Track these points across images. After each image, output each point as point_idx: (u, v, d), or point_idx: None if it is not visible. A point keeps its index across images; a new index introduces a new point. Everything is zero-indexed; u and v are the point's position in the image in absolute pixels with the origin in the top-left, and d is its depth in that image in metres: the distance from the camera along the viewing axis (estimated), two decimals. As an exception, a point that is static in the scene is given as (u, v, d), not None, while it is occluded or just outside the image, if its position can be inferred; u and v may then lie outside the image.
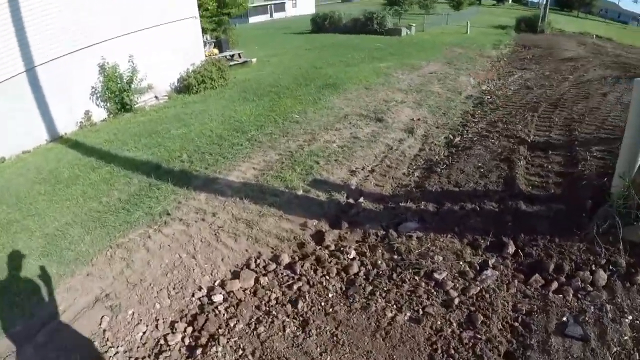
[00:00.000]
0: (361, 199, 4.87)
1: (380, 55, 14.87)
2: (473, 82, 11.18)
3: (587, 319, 2.67)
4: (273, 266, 3.71)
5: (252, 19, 45.09)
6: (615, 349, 2.42)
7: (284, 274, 3.61)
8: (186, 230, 4.33)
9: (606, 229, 3.42)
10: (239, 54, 15.74)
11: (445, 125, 7.69)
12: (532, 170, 5.25)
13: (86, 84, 9.20)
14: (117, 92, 9.41)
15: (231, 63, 14.13)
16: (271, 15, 50.99)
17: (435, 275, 3.36)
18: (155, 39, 10.54)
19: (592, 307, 2.77)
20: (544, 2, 27.78)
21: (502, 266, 3.44)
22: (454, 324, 2.83)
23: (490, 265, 3.45)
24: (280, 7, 52.99)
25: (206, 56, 12.68)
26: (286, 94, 9.47)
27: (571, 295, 2.94)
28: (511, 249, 3.62)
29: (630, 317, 2.63)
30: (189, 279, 3.66)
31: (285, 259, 3.78)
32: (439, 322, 2.86)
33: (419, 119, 7.83)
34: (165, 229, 4.38)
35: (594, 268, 3.14)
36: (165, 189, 5.18)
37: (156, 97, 10.68)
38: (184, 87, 11.02)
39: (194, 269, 3.77)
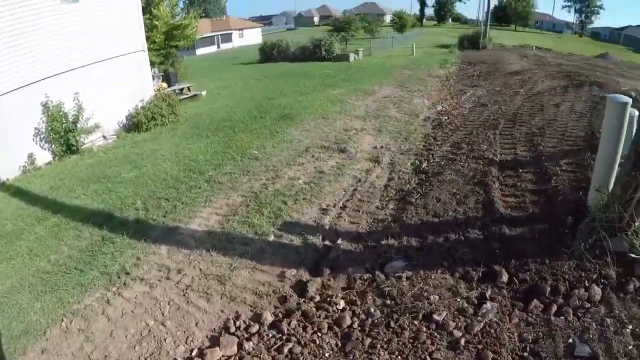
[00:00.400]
0: (339, 240, 4.90)
1: (332, 82, 15.70)
2: (427, 103, 11.98)
3: (591, 336, 2.87)
4: (256, 327, 3.56)
5: (199, 51, 46.93)
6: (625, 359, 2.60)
7: (270, 335, 3.48)
8: (150, 292, 4.11)
9: (592, 243, 3.74)
10: (188, 87, 16.12)
11: (409, 150, 8.08)
12: (507, 191, 5.65)
13: (28, 125, 8.94)
14: (62, 133, 9.28)
15: (181, 97, 14.53)
16: (218, 47, 53.41)
17: (435, 316, 3.42)
18: (102, 75, 10.51)
19: (593, 324, 2.98)
20: (484, 19, 30.97)
21: (499, 297, 3.59)
22: (465, 368, 2.88)
23: (488, 297, 3.59)
24: (227, 37, 55.69)
25: (155, 91, 12.86)
26: (241, 128, 9.69)
27: (571, 315, 3.14)
28: (505, 277, 3.81)
29: (630, 327, 2.89)
30: (162, 351, 3.41)
31: (268, 317, 3.66)
32: (449, 368, 2.89)
33: (382, 147, 8.18)
34: (125, 291, 4.15)
35: (587, 284, 3.40)
36: (120, 242, 5.01)
37: (104, 136, 10.54)
38: (134, 125, 11.09)
39: (165, 339, 3.53)
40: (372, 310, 3.65)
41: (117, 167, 7.94)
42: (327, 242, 4.91)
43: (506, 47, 30.21)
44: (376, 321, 3.50)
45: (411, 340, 3.22)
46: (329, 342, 3.35)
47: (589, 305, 3.18)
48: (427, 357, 3.03)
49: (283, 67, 22.68)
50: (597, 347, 2.76)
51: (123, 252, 4.80)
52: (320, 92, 13.51)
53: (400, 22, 51.04)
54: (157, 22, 17.15)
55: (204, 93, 15.71)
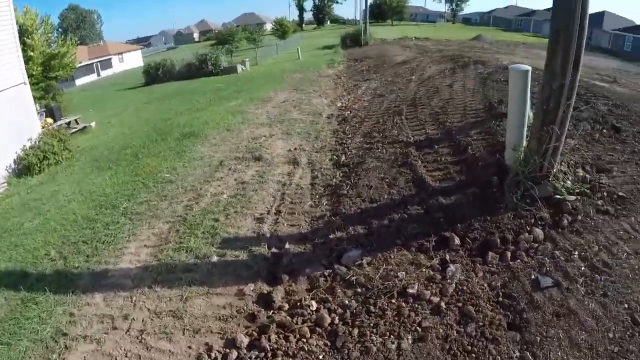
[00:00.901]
0: (287, 245, 5.09)
1: (225, 95, 16.14)
2: (326, 101, 12.83)
3: (548, 268, 3.61)
4: (234, 353, 3.53)
5: (79, 81, 46.08)
6: (581, 279, 3.39)
7: (253, 356, 3.49)
8: (100, 348, 3.83)
9: (521, 194, 4.59)
10: (76, 120, 15.78)
11: (323, 148, 8.62)
12: (430, 167, 6.48)
13: None
14: None
15: (70, 131, 14.48)
16: (98, 74, 53.18)
17: (409, 290, 3.84)
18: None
19: (546, 259, 3.74)
20: (363, 17, 34.18)
21: (458, 257, 4.20)
22: (455, 325, 3.34)
23: (449, 261, 4.17)
24: (107, 63, 55.77)
25: (42, 127, 12.40)
26: (144, 154, 9.54)
27: (525, 256, 3.88)
28: (457, 240, 4.46)
29: (576, 253, 3.72)
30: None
31: (244, 339, 3.66)
32: (441, 330, 3.32)
33: (295, 148, 8.58)
34: (70, 355, 3.81)
35: (529, 228, 4.20)
36: (45, 301, 4.64)
37: None
38: (24, 168, 10.75)
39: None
40: (347, 302, 3.93)
41: (17, 217, 7.57)
42: (274, 250, 5.06)
43: (387, 40, 33.72)
44: (355, 311, 3.79)
45: (396, 318, 3.58)
46: (317, 344, 3.52)
47: (537, 244, 3.95)
48: (417, 327, 3.41)
49: (171, 87, 23.12)
50: (556, 276, 3.48)
51: (52, 312, 4.48)
52: (216, 106, 13.78)
53: (281, 29, 55.02)
54: (32, 53, 16.81)
55: (93, 124, 15.71)
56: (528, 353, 2.92)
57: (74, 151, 11.53)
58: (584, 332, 2.95)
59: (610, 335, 2.91)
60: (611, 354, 2.79)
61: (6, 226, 7.14)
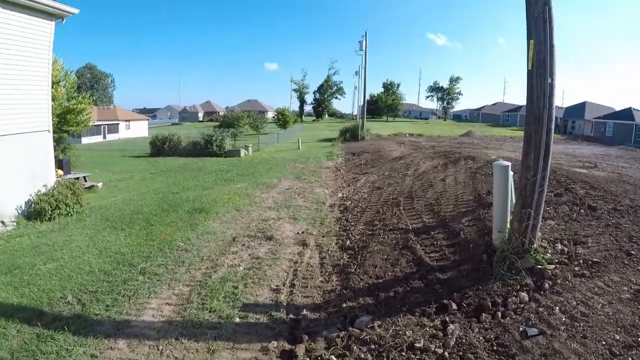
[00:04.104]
0: (304, 311, 5.79)
1: (230, 176, 17.29)
2: (327, 192, 14.05)
3: (534, 321, 4.37)
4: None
5: (85, 140, 47.55)
6: (562, 327, 4.16)
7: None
8: None
9: (507, 267, 5.50)
10: (84, 177, 16.09)
11: (329, 233, 9.55)
12: (428, 249, 7.41)
13: None
14: None
15: None
16: (104, 137, 54.79)
17: (416, 344, 4.55)
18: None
19: (531, 315, 4.52)
20: (360, 113, 37.40)
21: (456, 319, 4.95)
22: (457, 369, 4.03)
23: (449, 322, 4.91)
24: (114, 128, 57.78)
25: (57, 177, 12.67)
26: (156, 221, 10.17)
27: (514, 314, 4.65)
28: (454, 305, 5.24)
29: (557, 308, 4.51)
30: None
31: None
32: (445, 373, 4.01)
33: (303, 232, 9.50)
34: None
35: (515, 293, 5.03)
36: (64, 340, 4.88)
37: (2, 222, 10.06)
38: (35, 213, 11.04)
39: None
40: (363, 355, 4.60)
41: (28, 257, 7.83)
42: (291, 316, 5.74)
43: (382, 136, 36.70)
44: (371, 363, 4.46)
45: (406, 366, 4.26)
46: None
47: (523, 305, 4.75)
48: (425, 372, 4.10)
49: (177, 162, 24.02)
50: (541, 326, 4.26)
51: (72, 351, 4.71)
52: (222, 187, 14.80)
53: (283, 119, 57.91)
54: (52, 103, 17.12)
55: (100, 185, 16.09)
56: (521, 386, 3.63)
57: (85, 207, 11.91)
58: (568, 367, 3.70)
59: None
60: None
61: (17, 263, 7.42)
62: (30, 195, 11.34)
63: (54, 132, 17.90)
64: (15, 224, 10.56)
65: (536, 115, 5.59)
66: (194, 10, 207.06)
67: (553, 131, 5.69)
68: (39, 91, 11.89)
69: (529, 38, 5.64)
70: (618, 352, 3.67)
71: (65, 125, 19.27)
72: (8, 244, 8.92)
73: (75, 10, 12.13)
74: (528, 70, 5.69)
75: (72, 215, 11.26)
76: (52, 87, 17.60)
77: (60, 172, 15.31)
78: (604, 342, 3.85)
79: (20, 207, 11.22)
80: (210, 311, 5.74)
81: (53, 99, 17.55)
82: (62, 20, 12.08)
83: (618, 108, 50.65)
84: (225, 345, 5.01)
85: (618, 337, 3.86)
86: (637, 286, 4.71)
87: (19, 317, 5.53)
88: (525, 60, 5.74)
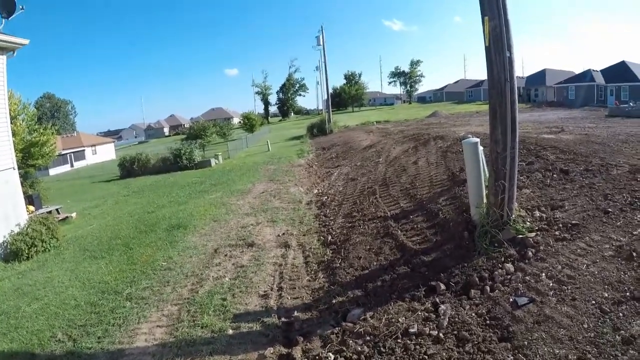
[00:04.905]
0: (295, 313, 5.71)
1: (204, 188, 16.99)
2: (303, 189, 13.97)
3: (523, 291, 4.43)
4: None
5: (53, 171, 46.27)
6: (551, 292, 4.23)
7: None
8: None
9: (489, 241, 5.56)
10: (57, 210, 15.81)
11: (309, 231, 9.48)
12: (409, 234, 7.44)
13: None
14: None
15: None
16: (72, 165, 53.76)
17: (411, 329, 4.54)
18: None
19: (519, 284, 4.59)
20: (325, 107, 37.37)
21: (446, 299, 4.98)
22: (454, 348, 4.03)
23: (440, 302, 4.93)
24: (80, 155, 56.63)
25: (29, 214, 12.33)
26: (136, 244, 9.97)
27: (502, 286, 4.71)
28: (442, 286, 5.27)
29: (543, 274, 4.59)
30: None
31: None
32: (444, 354, 3.99)
33: (283, 233, 9.39)
34: None
35: (500, 265, 5.09)
36: None
37: None
38: (12, 254, 10.70)
39: None
40: (359, 348, 4.56)
41: (12, 301, 7.63)
42: (283, 319, 5.65)
43: (350, 127, 36.90)
44: (368, 354, 4.42)
45: (405, 352, 4.24)
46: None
47: (510, 276, 4.82)
48: (424, 356, 4.08)
49: (148, 180, 23.64)
50: (530, 294, 4.32)
51: None
52: (197, 199, 14.53)
53: (249, 123, 57.39)
54: (13, 139, 16.49)
55: (74, 215, 15.83)
56: (520, 355, 3.63)
57: (61, 240, 11.63)
58: (562, 329, 3.72)
59: (585, 325, 3.68)
60: (589, 339, 3.53)
61: (2, 308, 7.21)
62: (4, 236, 10.89)
63: (19, 168, 17.35)
64: (-8, 269, 10.09)
65: (499, 90, 5.67)
66: (148, 28, 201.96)
67: (517, 102, 5.78)
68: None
69: (483, 15, 5.71)
70: (608, 309, 3.75)
71: (30, 160, 18.71)
72: (-14, 290, 8.58)
73: (26, 41, 11.59)
74: (486, 46, 5.76)
75: (49, 250, 11.02)
76: (12, 122, 17.08)
77: (32, 208, 14.98)
78: (593, 302, 3.93)
79: (-4, 250, 10.73)
80: (202, 327, 5.63)
81: (14, 134, 17.01)
82: (13, 53, 11.58)
83: (578, 71, 52.18)
84: (221, 358, 4.93)
85: (607, 295, 3.95)
86: (619, 242, 4.85)
87: (12, 364, 5.34)
88: (482, 36, 5.80)
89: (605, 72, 44.78)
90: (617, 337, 3.44)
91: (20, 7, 10.88)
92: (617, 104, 34.33)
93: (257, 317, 5.75)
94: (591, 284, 4.21)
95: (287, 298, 6.29)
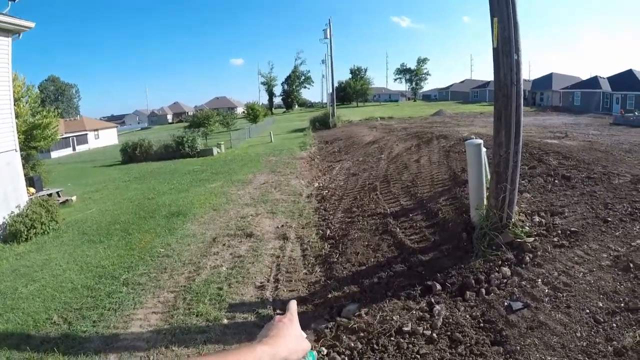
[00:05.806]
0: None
1: (205, 176, 17.02)
2: (304, 182, 13.95)
3: (517, 295, 4.43)
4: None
5: (55, 154, 46.40)
6: (546, 299, 4.23)
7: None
8: None
9: (487, 243, 5.55)
10: (57, 193, 15.83)
11: (308, 224, 9.48)
12: (408, 232, 7.43)
13: None
14: None
15: None
16: (74, 149, 53.74)
17: (404, 328, 4.55)
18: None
19: (515, 289, 4.59)
20: (330, 101, 37.21)
21: (442, 299, 4.98)
22: (447, 349, 4.04)
23: (435, 303, 4.93)
24: (83, 139, 56.53)
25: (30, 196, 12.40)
26: (135, 229, 10.03)
27: (497, 290, 4.71)
28: (438, 286, 5.27)
29: (539, 280, 4.58)
30: None
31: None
32: (437, 354, 4.00)
33: (282, 225, 9.40)
34: None
35: (497, 269, 5.08)
36: None
37: None
38: (11, 235, 10.75)
39: None
40: (353, 344, 4.57)
41: (9, 281, 7.68)
42: (278, 311, 5.66)
43: (354, 122, 36.79)
44: (361, 350, 4.43)
45: (397, 351, 4.25)
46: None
47: (506, 280, 4.82)
48: (417, 355, 4.09)
49: (149, 167, 23.56)
50: (525, 300, 4.32)
51: None
52: (198, 187, 14.54)
53: (253, 113, 57.02)
54: (16, 121, 16.64)
55: (74, 198, 15.86)
56: (511, 360, 3.66)
57: (61, 223, 11.71)
58: (555, 336, 3.73)
59: (578, 334, 3.69)
60: (581, 348, 3.53)
61: None
62: (4, 217, 10.99)
63: (21, 150, 17.46)
64: (-10, 249, 10.17)
65: (505, 92, 5.63)
66: (155, 14, 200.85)
67: (522, 106, 5.74)
68: (2, 110, 11.46)
69: (492, 16, 5.66)
70: (602, 319, 3.75)
71: (32, 142, 18.72)
72: (-14, 270, 8.64)
73: (32, 24, 11.56)
74: (494, 48, 5.71)
75: (48, 233, 11.05)
76: (15, 104, 17.25)
77: (32, 190, 15.04)
78: (587, 311, 3.93)
79: (-5, 231, 10.80)
80: (197, 315, 5.66)
81: (17, 116, 17.09)
82: (19, 35, 11.56)
83: (584, 77, 51.88)
84: (215, 348, 4.94)
85: (601, 304, 3.95)
86: (616, 252, 4.84)
87: (7, 344, 5.45)
88: (491, 37, 5.75)
89: (612, 79, 44.44)
90: (609, 347, 3.44)
91: None
92: (622, 112, 34.12)
93: (253, 308, 5.77)
94: (586, 292, 4.20)
95: (283, 290, 6.30)
